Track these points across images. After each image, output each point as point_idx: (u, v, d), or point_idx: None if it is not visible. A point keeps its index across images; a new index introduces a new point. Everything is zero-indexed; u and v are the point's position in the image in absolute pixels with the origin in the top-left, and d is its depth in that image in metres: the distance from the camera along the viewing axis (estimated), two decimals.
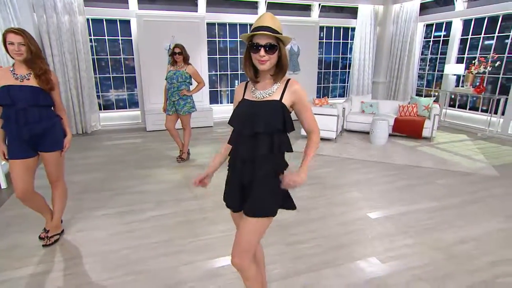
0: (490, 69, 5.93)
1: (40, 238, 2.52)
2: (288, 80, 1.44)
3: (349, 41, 8.33)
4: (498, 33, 6.06)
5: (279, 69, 1.40)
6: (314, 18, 7.52)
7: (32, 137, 2.20)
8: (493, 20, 6.12)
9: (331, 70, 8.51)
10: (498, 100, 5.88)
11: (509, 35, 5.90)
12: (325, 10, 7.72)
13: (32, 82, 2.16)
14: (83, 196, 3.35)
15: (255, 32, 1.33)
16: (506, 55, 5.94)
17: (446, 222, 2.87)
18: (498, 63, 5.90)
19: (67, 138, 2.39)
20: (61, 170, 2.45)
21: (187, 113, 4.21)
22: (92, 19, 6.06)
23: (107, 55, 6.41)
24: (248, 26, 7.19)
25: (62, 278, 2.11)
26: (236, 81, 7.59)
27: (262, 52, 1.32)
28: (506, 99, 5.79)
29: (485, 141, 5.62)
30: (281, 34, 1.34)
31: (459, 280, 2.10)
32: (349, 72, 8.50)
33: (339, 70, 8.60)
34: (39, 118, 2.20)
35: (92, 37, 6.17)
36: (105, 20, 6.18)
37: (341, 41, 8.30)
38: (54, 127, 2.30)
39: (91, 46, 6.10)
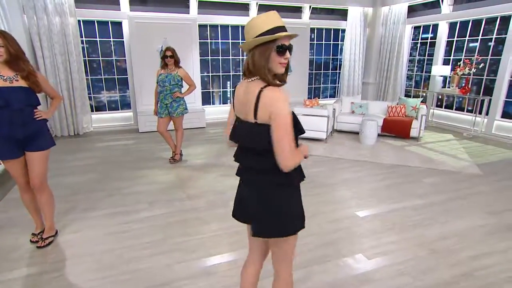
0: (474, 71, 6.12)
1: (32, 242, 2.55)
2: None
3: (339, 42, 8.47)
4: (482, 35, 6.26)
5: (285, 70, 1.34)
6: (305, 20, 7.64)
7: (26, 137, 2.25)
8: (477, 23, 6.32)
9: (322, 71, 8.64)
10: (482, 101, 6.07)
11: (492, 38, 6.10)
12: (316, 12, 7.84)
13: (22, 83, 2.20)
14: (76, 198, 3.38)
15: (282, 33, 1.21)
16: (489, 57, 6.14)
17: (430, 219, 2.99)
18: (482, 65, 6.09)
19: (47, 112, 2.38)
20: (46, 171, 2.43)
21: (180, 115, 4.27)
22: (83, 21, 6.06)
23: (99, 57, 6.41)
24: (240, 28, 7.26)
25: (57, 279, 2.16)
26: (228, 82, 7.66)
27: (287, 54, 1.25)
28: (490, 100, 5.99)
29: (470, 141, 5.80)
30: None
31: (440, 273, 2.22)
32: (339, 73, 8.65)
33: (330, 71, 8.74)
34: (33, 117, 2.26)
35: (84, 39, 6.16)
36: (97, 21, 6.18)
37: (331, 42, 8.43)
38: (44, 126, 2.37)
39: (83, 48, 6.09)
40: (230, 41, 7.28)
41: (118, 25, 6.29)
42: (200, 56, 6.79)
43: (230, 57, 7.41)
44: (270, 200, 1.34)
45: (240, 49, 7.39)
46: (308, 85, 8.19)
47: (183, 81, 4.27)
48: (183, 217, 2.99)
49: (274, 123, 1.20)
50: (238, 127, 1.38)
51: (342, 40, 8.35)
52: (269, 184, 1.33)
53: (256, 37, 1.21)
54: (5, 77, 2.17)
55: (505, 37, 5.70)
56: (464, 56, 6.53)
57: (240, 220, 1.51)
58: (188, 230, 2.76)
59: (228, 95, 7.77)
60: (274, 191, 1.33)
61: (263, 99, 1.22)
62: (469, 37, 6.48)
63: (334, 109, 6.03)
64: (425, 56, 7.58)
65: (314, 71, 8.49)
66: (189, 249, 2.50)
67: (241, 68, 7.66)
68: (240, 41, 7.36)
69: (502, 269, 2.27)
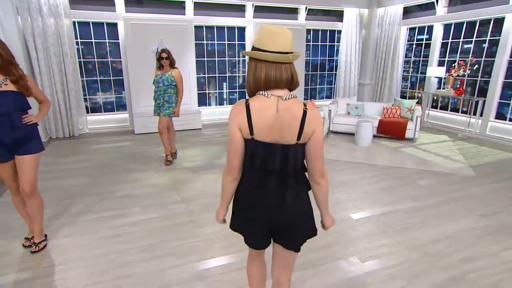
0: (469, 72, 6.16)
1: (24, 246, 2.54)
2: None
3: (335, 43, 8.49)
4: (476, 37, 6.30)
5: None
6: (301, 21, 7.64)
7: (15, 141, 2.23)
8: (471, 25, 6.36)
9: (318, 72, 8.66)
10: (477, 102, 6.11)
11: (486, 39, 6.14)
12: (312, 13, 7.85)
13: (11, 87, 2.18)
14: (70, 201, 3.37)
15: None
16: (483, 58, 6.19)
17: (423, 221, 3.01)
18: (476, 66, 6.13)
19: (36, 116, 2.35)
20: (36, 176, 2.40)
21: (167, 116, 4.30)
22: (78, 22, 6.03)
23: (94, 58, 6.38)
24: (236, 29, 7.26)
25: (50, 284, 2.15)
26: (224, 83, 7.65)
27: None
28: (484, 101, 6.03)
29: (464, 142, 5.84)
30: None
31: (432, 277, 2.23)
32: (335, 74, 8.67)
33: (326, 72, 8.76)
34: (22, 122, 2.24)
35: (79, 40, 6.13)
36: (92, 23, 6.15)
37: (327, 43, 8.45)
38: (34, 130, 2.35)
39: (78, 49, 6.06)
40: (226, 42, 7.27)
41: (113, 26, 6.27)
42: (196, 57, 6.78)
43: (226, 58, 7.40)
44: (309, 204, 1.42)
45: (237, 50, 7.39)
46: (304, 86, 8.21)
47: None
48: (178, 221, 2.99)
49: (315, 140, 1.25)
50: (260, 150, 1.25)
51: (338, 41, 8.36)
52: (306, 191, 1.40)
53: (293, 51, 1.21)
54: None
55: (499, 39, 5.74)
56: (459, 58, 6.57)
57: (263, 247, 1.47)
58: (182, 234, 2.76)
59: (225, 96, 7.76)
60: (307, 194, 1.40)
61: (308, 120, 1.22)
62: (463, 38, 6.52)
63: (330, 110, 6.05)
64: (420, 57, 7.61)
65: (310, 72, 8.50)
66: (183, 253, 2.50)
67: (237, 69, 7.66)
68: (236, 42, 7.35)
69: (493, 272, 2.29)
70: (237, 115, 1.24)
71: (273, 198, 1.31)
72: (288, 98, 1.22)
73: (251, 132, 1.23)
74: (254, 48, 1.21)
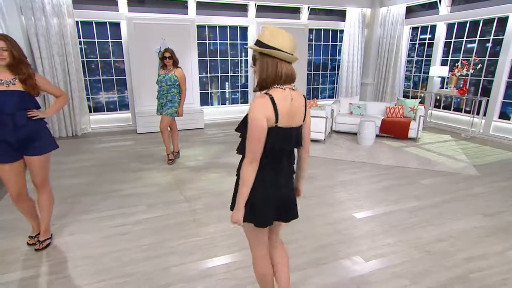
0: (472, 72, 6.14)
1: (28, 244, 2.55)
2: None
3: (337, 43, 8.48)
4: (479, 37, 6.28)
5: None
6: (303, 21, 7.64)
7: (19, 141, 2.22)
8: (475, 24, 6.34)
9: (321, 72, 8.65)
10: (480, 102, 6.09)
11: (490, 39, 6.12)
12: (314, 12, 7.85)
13: (18, 86, 2.18)
14: (74, 200, 3.38)
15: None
16: (487, 58, 6.16)
17: (426, 220, 3.00)
18: (479, 66, 6.11)
19: (46, 111, 2.38)
20: (47, 173, 2.44)
21: (168, 115, 4.32)
22: (81, 22, 6.05)
23: (97, 58, 6.40)
24: (238, 29, 7.26)
25: (54, 282, 2.16)
26: (227, 83, 7.65)
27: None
28: (488, 100, 6.01)
29: (467, 141, 5.82)
30: (257, 44, 1.37)
31: (436, 276, 2.23)
32: (338, 73, 8.66)
33: (328, 72, 8.75)
34: (27, 121, 2.24)
35: (82, 40, 6.15)
36: (95, 22, 6.17)
37: (330, 43, 8.44)
38: (41, 130, 2.33)
39: (81, 49, 6.08)
40: (228, 42, 7.28)
41: (116, 26, 6.29)
42: (199, 57, 6.80)
43: (229, 58, 7.41)
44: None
45: (239, 50, 7.40)
46: (307, 85, 8.20)
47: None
48: (181, 219, 2.99)
49: (308, 123, 1.58)
50: (281, 134, 1.42)
51: (341, 41, 8.36)
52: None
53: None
54: (2, 81, 2.16)
55: (503, 38, 5.72)
56: (462, 57, 6.55)
57: (271, 223, 1.59)
58: (186, 233, 2.77)
59: (227, 96, 7.77)
60: None
61: (307, 106, 1.53)
62: (466, 38, 6.50)
63: (332, 110, 6.04)
64: (423, 57, 7.59)
65: (312, 72, 8.50)
66: (187, 251, 2.50)
67: (240, 69, 7.66)
68: (238, 42, 7.36)
69: (497, 271, 2.29)
70: (264, 107, 1.36)
71: (285, 173, 1.53)
72: (294, 89, 1.47)
73: (276, 120, 1.38)
74: (268, 46, 1.35)
